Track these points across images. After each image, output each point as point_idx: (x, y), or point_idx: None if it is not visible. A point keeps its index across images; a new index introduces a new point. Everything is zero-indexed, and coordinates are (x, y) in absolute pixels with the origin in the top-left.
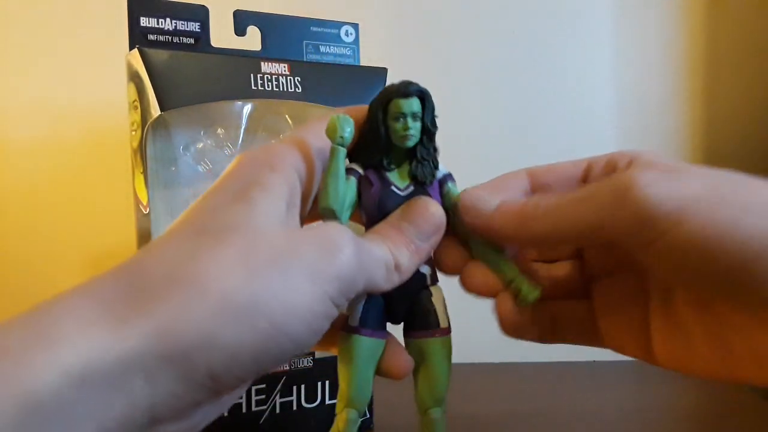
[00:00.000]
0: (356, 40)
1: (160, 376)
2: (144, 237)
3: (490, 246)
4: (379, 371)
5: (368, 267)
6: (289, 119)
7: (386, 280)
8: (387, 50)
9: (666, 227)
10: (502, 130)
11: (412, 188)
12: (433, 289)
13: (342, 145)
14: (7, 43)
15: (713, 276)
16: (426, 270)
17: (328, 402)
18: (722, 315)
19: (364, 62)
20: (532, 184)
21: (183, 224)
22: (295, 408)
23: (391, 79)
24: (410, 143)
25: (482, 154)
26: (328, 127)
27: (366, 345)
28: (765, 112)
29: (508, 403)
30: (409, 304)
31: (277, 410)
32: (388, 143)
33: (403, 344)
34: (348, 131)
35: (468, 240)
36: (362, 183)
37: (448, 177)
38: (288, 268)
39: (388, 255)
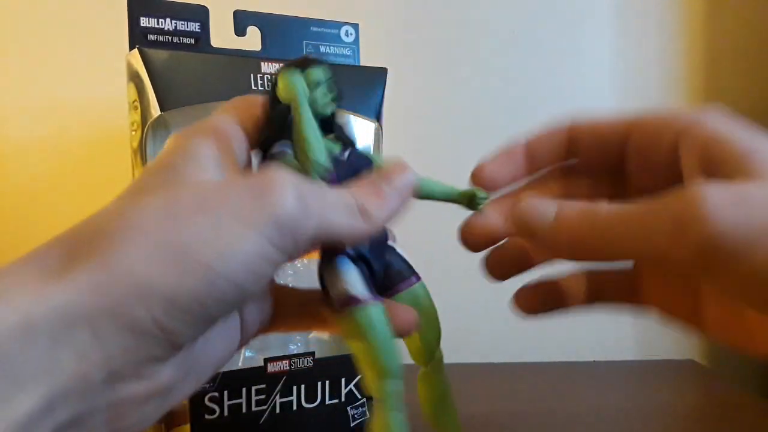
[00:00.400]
0: (356, 40)
1: (104, 328)
2: None
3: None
4: None
5: (319, 209)
6: None
7: (351, 225)
8: (387, 50)
9: (733, 258)
10: (501, 130)
11: (348, 151)
12: (393, 244)
13: (305, 95)
14: (7, 43)
15: None
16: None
17: (328, 402)
18: None
19: (364, 62)
20: (571, 139)
21: (119, 195)
22: (295, 408)
23: (391, 78)
24: (334, 109)
25: (481, 154)
26: (281, 86)
27: (380, 310)
28: (765, 112)
29: (508, 403)
30: (384, 265)
31: (277, 410)
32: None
33: None
34: (303, 83)
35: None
36: None
37: None
38: (215, 211)
39: (349, 198)
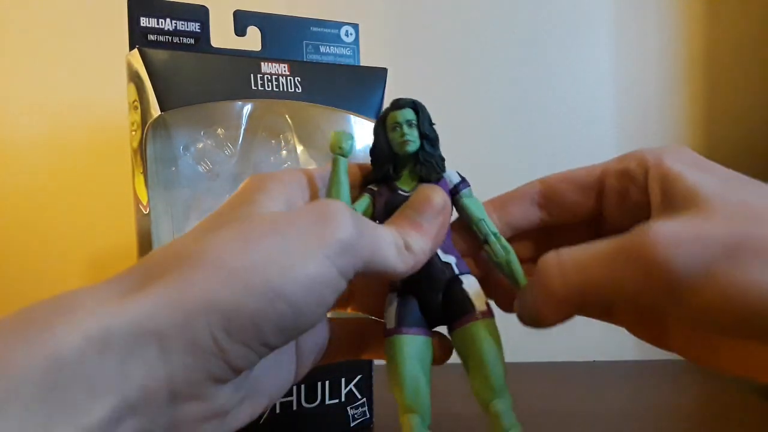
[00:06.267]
0: (356, 41)
1: (171, 344)
2: (144, 237)
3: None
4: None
5: (373, 240)
6: (289, 119)
7: (400, 260)
8: (387, 50)
9: (694, 290)
10: (501, 130)
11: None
12: (463, 277)
13: (342, 155)
14: (7, 43)
15: (747, 325)
16: (451, 259)
17: (328, 402)
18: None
19: (364, 62)
20: (544, 192)
21: (194, 227)
22: (295, 408)
23: (391, 78)
24: (410, 148)
25: (481, 154)
26: (330, 141)
27: (407, 343)
28: (765, 112)
29: None
30: (441, 298)
31: (277, 410)
32: (393, 154)
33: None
34: (347, 143)
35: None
36: (376, 198)
37: (461, 184)
38: (284, 234)
39: (395, 235)
